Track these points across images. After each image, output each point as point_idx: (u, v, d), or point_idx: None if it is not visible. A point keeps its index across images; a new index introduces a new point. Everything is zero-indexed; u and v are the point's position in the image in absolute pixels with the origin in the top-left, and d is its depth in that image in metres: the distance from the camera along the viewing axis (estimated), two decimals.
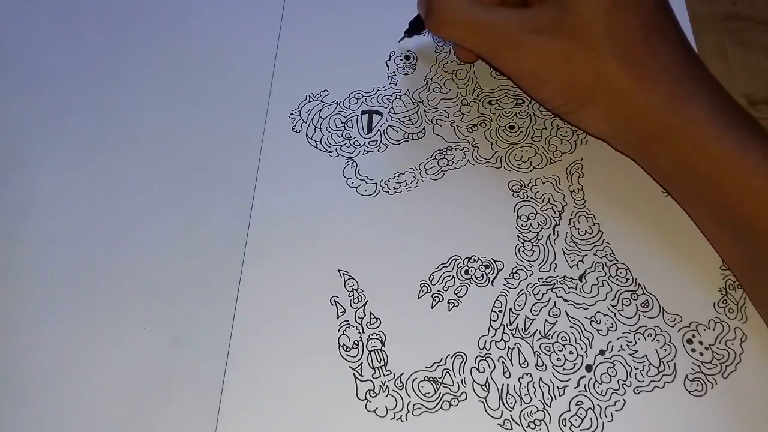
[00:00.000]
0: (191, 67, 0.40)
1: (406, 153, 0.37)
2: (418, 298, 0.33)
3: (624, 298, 0.32)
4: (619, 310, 0.32)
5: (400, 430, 0.30)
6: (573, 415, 0.30)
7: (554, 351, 0.31)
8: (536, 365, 0.31)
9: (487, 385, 0.31)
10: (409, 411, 0.30)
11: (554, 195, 0.35)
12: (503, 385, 0.31)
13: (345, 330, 0.32)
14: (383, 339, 0.32)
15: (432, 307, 0.33)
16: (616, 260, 0.33)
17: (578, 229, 0.34)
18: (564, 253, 0.34)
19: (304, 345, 0.32)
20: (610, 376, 0.31)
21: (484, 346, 0.32)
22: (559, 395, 0.30)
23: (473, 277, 0.33)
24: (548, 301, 0.32)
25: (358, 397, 0.31)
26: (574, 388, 0.31)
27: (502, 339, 0.32)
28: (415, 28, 0.39)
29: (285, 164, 0.37)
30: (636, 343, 0.31)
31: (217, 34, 0.41)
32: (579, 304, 0.32)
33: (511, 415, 0.30)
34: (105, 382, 0.32)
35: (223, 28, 0.42)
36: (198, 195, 0.36)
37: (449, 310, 0.33)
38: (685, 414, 0.30)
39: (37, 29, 0.42)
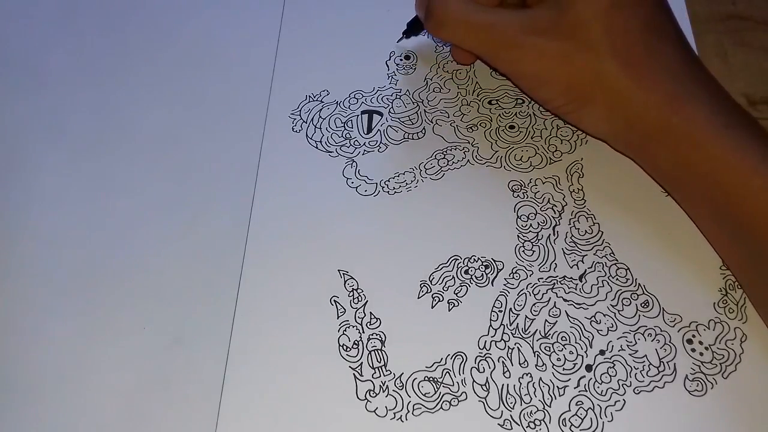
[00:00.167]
0: (191, 68, 0.40)
1: (406, 153, 0.37)
2: (418, 298, 0.33)
3: (624, 298, 0.32)
4: (619, 310, 0.32)
5: (400, 430, 0.30)
6: (573, 415, 0.30)
7: (554, 351, 0.31)
8: (536, 365, 0.31)
9: (487, 385, 0.31)
10: (409, 411, 0.30)
11: (554, 195, 0.35)
12: (503, 385, 0.31)
13: (345, 330, 0.32)
14: (383, 339, 0.32)
15: (432, 307, 0.33)
16: (616, 260, 0.33)
17: (578, 229, 0.34)
18: (564, 253, 0.34)
19: (304, 345, 0.32)
20: (610, 376, 0.31)
21: (484, 346, 0.32)
22: (559, 395, 0.30)
23: (473, 277, 0.33)
24: (548, 301, 0.32)
25: (358, 397, 0.31)
26: (574, 388, 0.31)
27: (502, 339, 0.32)
28: (413, 29, 0.39)
29: (285, 164, 0.37)
30: (636, 343, 0.31)
31: (217, 34, 0.41)
32: (579, 304, 0.32)
33: (511, 415, 0.30)
34: (105, 382, 0.32)
35: (223, 28, 0.42)
36: (198, 195, 0.36)
37: (449, 310, 0.33)
38: (685, 414, 0.30)
39: (37, 29, 0.42)
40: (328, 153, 0.37)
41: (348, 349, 0.32)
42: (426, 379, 0.31)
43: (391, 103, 0.38)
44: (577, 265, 0.33)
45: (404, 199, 0.35)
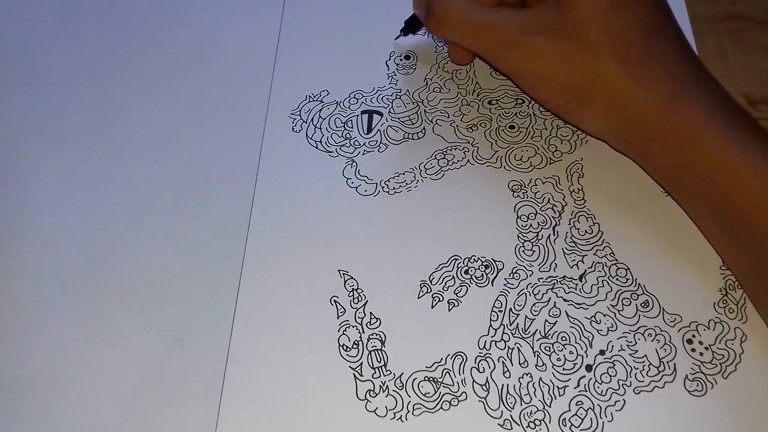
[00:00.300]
0: (191, 68, 0.40)
1: (406, 153, 0.37)
2: (418, 298, 0.33)
3: (624, 298, 0.32)
4: (619, 310, 0.32)
5: (400, 430, 0.30)
6: (573, 415, 0.30)
7: (554, 351, 0.31)
8: (536, 365, 0.31)
9: (487, 385, 0.31)
10: (409, 411, 0.30)
11: (554, 195, 0.35)
12: (503, 385, 0.31)
13: (345, 330, 0.32)
14: (383, 339, 0.32)
15: (432, 307, 0.33)
16: (616, 260, 0.33)
17: (578, 229, 0.34)
18: (564, 253, 0.34)
19: (304, 345, 0.32)
20: (610, 376, 0.31)
21: (484, 346, 0.32)
22: (559, 395, 0.30)
23: (473, 277, 0.33)
24: (548, 301, 0.32)
25: (358, 397, 0.31)
26: (574, 388, 0.31)
27: (502, 339, 0.32)
28: (411, 27, 0.39)
29: (285, 164, 0.37)
30: (636, 343, 0.31)
31: (217, 34, 0.41)
32: (579, 304, 0.32)
33: (511, 415, 0.30)
34: (105, 382, 0.32)
35: (223, 28, 0.42)
36: (198, 195, 0.36)
37: (449, 310, 0.33)
38: (685, 414, 0.30)
39: (37, 29, 0.42)
40: (328, 153, 0.37)
41: (348, 349, 0.32)
42: (426, 379, 0.31)
43: (391, 103, 0.38)
44: (577, 265, 0.33)
45: (404, 199, 0.35)
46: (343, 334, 0.32)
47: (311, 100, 0.39)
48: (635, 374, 0.31)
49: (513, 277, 0.33)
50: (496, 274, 0.33)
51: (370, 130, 0.38)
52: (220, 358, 0.32)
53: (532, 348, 0.31)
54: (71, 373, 0.32)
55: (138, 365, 0.32)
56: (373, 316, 0.32)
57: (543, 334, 0.32)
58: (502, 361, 0.31)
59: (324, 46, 0.40)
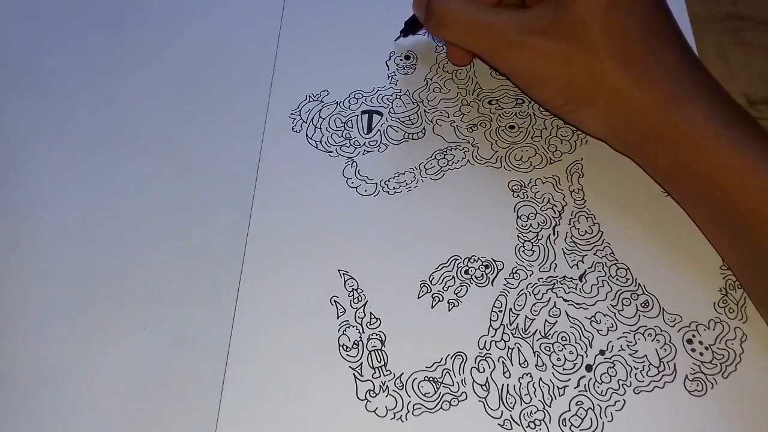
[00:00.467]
0: (191, 68, 0.40)
1: (406, 153, 0.37)
2: (418, 298, 0.33)
3: (624, 298, 0.32)
4: (619, 310, 0.32)
5: (400, 430, 0.30)
6: (573, 415, 0.30)
7: (554, 351, 0.31)
8: (536, 365, 0.31)
9: (487, 385, 0.31)
10: (409, 411, 0.30)
11: (554, 195, 0.35)
12: (503, 385, 0.31)
13: (345, 330, 0.32)
14: (383, 339, 0.32)
15: (432, 307, 0.33)
16: (616, 260, 0.33)
17: (578, 229, 0.34)
18: (564, 253, 0.34)
19: (304, 345, 0.32)
20: (610, 376, 0.31)
21: (484, 346, 0.32)
22: (559, 395, 0.30)
23: (473, 277, 0.33)
24: (548, 301, 0.32)
25: (358, 397, 0.31)
26: (574, 388, 0.31)
27: (502, 339, 0.32)
28: (410, 28, 0.39)
29: (285, 164, 0.37)
30: (636, 343, 0.31)
31: (217, 34, 0.41)
32: (579, 304, 0.32)
33: (511, 415, 0.30)
34: (105, 382, 0.32)
35: (223, 28, 0.42)
36: (198, 195, 0.36)
37: (449, 310, 0.33)
38: (685, 414, 0.30)
39: (37, 29, 0.42)
40: (328, 153, 0.37)
41: (348, 349, 0.32)
42: (426, 379, 0.31)
43: (391, 103, 0.38)
44: (577, 265, 0.33)
45: (404, 199, 0.35)
46: (343, 334, 0.32)
47: (311, 100, 0.39)
48: (635, 374, 0.31)
49: (513, 277, 0.33)
50: (496, 274, 0.33)
51: (370, 130, 0.38)
52: (220, 358, 0.32)
53: (532, 348, 0.31)
54: (71, 373, 0.32)
55: (138, 365, 0.32)
56: (373, 316, 0.32)
57: (543, 334, 0.32)
58: (502, 361, 0.31)
59: (324, 46, 0.40)
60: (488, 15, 0.33)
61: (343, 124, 0.38)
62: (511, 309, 0.32)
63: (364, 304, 0.33)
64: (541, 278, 0.33)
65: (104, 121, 0.39)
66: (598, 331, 0.32)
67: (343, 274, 0.34)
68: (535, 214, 0.35)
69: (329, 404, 0.31)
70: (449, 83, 0.39)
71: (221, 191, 0.36)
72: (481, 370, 0.31)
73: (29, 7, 0.43)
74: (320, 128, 0.38)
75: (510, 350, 0.31)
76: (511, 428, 0.30)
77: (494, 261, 0.34)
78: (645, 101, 0.31)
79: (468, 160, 0.36)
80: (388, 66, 0.40)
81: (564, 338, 0.32)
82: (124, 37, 0.42)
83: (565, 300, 0.32)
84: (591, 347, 0.31)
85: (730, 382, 0.30)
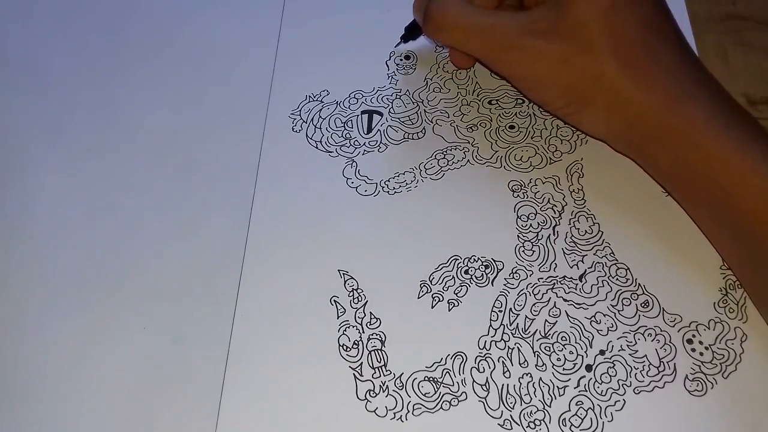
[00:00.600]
0: (191, 67, 0.40)
1: (406, 153, 0.37)
2: (418, 298, 0.33)
3: (624, 298, 0.32)
4: (619, 310, 0.32)
5: (400, 430, 0.30)
6: (573, 415, 0.30)
7: (554, 351, 0.31)
8: (536, 365, 0.31)
9: (487, 385, 0.31)
10: (409, 411, 0.30)
11: (554, 195, 0.35)
12: (503, 385, 0.31)
13: (345, 330, 0.32)
14: (383, 339, 0.32)
15: (432, 307, 0.33)
16: (616, 260, 0.33)
17: (578, 229, 0.34)
18: (564, 253, 0.34)
19: (304, 345, 0.32)
20: (610, 376, 0.31)
21: (484, 346, 0.32)
22: (559, 395, 0.30)
23: (473, 277, 0.33)
24: (548, 301, 0.32)
25: (358, 397, 0.31)
26: (574, 388, 0.31)
27: (502, 339, 0.32)
28: (411, 33, 0.39)
29: (285, 164, 0.37)
30: (636, 343, 0.31)
31: (217, 34, 0.41)
32: (579, 304, 0.32)
33: (511, 415, 0.30)
34: (105, 382, 0.32)
35: (223, 28, 0.42)
36: (198, 195, 0.36)
37: (449, 310, 0.33)
38: (685, 414, 0.30)
39: (37, 29, 0.42)
40: (328, 153, 0.37)
41: (348, 349, 0.32)
42: (426, 379, 0.31)
43: (391, 103, 0.38)
44: (577, 265, 0.33)
45: (404, 199, 0.35)
46: (343, 334, 0.32)
47: (311, 100, 0.39)
48: (635, 374, 0.31)
49: (513, 277, 0.33)
50: (496, 274, 0.33)
51: (370, 130, 0.38)
52: (220, 358, 0.32)
53: (532, 348, 0.31)
54: (71, 372, 0.32)
55: (138, 365, 0.32)
56: (373, 316, 0.32)
57: (543, 334, 0.32)
58: (502, 361, 0.31)
59: (324, 46, 0.40)
60: (487, 18, 0.33)
61: (343, 124, 0.38)
62: (511, 309, 0.32)
63: (364, 304, 0.33)
64: (541, 278, 0.33)
65: (104, 121, 0.39)
66: (598, 331, 0.32)
67: (343, 274, 0.34)
68: (535, 214, 0.35)
69: (329, 404, 0.31)
70: (449, 83, 0.39)
71: (221, 191, 0.36)
72: (481, 370, 0.31)
73: (29, 7, 0.43)
74: (320, 128, 0.38)
75: (510, 350, 0.31)
76: (511, 428, 0.30)
77: (494, 261, 0.34)
78: (645, 102, 0.31)
79: (468, 160, 0.36)
80: (388, 66, 0.40)
81: (564, 338, 0.32)
82: (124, 37, 0.42)
83: (565, 300, 0.32)
84: (591, 347, 0.31)
85: (730, 382, 0.30)
